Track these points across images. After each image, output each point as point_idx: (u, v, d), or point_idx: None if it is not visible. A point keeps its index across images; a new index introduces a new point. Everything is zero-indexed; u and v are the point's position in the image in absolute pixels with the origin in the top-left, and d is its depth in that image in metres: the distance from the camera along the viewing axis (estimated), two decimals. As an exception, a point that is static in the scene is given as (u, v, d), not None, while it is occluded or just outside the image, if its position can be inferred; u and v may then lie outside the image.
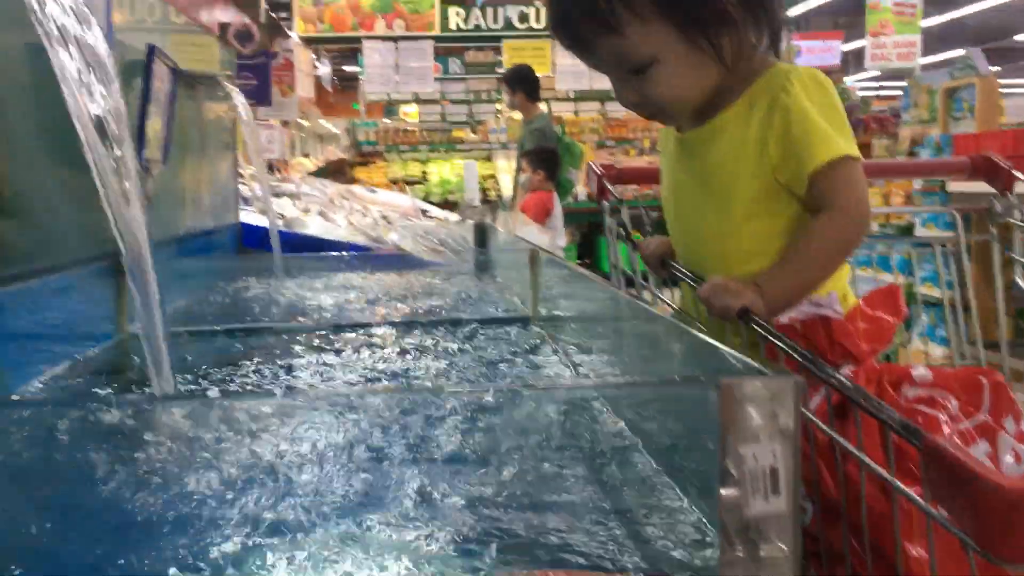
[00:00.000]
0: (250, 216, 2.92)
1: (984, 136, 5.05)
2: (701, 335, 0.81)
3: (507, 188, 9.65)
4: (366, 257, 2.79)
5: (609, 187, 1.46)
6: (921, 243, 5.56)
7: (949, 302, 2.03)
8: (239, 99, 2.13)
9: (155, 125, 1.63)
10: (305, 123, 22.20)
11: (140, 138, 1.55)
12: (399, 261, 2.78)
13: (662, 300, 1.31)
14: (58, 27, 1.07)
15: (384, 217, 3.94)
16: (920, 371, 0.92)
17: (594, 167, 1.51)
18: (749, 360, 0.70)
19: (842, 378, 0.80)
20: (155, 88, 1.59)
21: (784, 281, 1.11)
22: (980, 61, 5.40)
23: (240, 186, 3.03)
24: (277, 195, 3.92)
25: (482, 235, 2.76)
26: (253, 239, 2.77)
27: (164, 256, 1.94)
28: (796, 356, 0.87)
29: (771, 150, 1.15)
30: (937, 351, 5.46)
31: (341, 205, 4.16)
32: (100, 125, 1.08)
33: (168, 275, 1.97)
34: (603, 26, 1.14)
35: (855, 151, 1.12)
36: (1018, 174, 1.51)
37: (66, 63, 1.06)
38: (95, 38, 1.15)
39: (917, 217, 5.62)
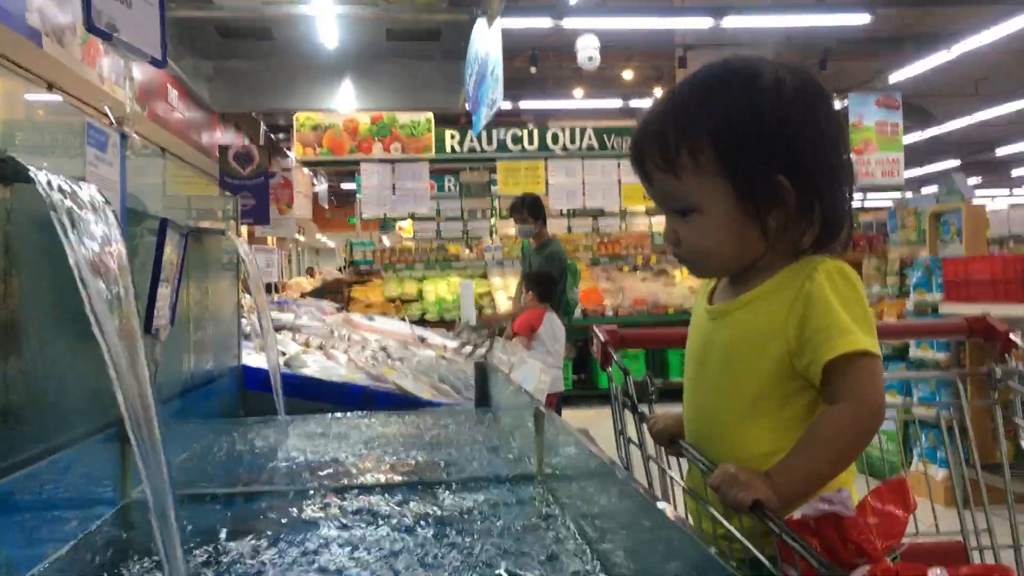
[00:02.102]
0: (251, 357, 2.93)
1: (973, 260, 5.14)
2: (709, 550, 0.81)
3: (502, 305, 9.72)
4: (367, 398, 2.79)
5: (614, 354, 1.48)
6: (917, 364, 5.56)
7: (947, 424, 2.02)
8: (245, 251, 2.17)
9: (165, 292, 1.66)
10: (301, 238, 22.50)
11: (150, 308, 1.58)
12: (399, 403, 2.78)
13: (671, 477, 1.31)
14: (69, 210, 1.10)
15: (383, 348, 3.96)
16: (936, 572, 0.92)
17: (598, 332, 1.53)
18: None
19: (861, 591, 0.80)
20: (166, 258, 1.63)
21: (796, 473, 1.12)
22: (964, 186, 5.53)
23: (241, 319, 3.04)
24: (278, 329, 3.94)
25: (483, 377, 2.76)
26: (255, 381, 2.77)
27: (168, 413, 1.95)
28: (812, 561, 0.87)
29: (790, 336, 1.17)
30: (938, 473, 5.43)
31: (341, 336, 4.18)
32: (108, 299, 1.10)
33: (172, 432, 1.97)
34: (664, 162, 1.21)
35: (875, 347, 1.14)
36: (1015, 338, 1.54)
37: (76, 246, 1.08)
38: (108, 220, 1.18)
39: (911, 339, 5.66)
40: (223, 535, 1.39)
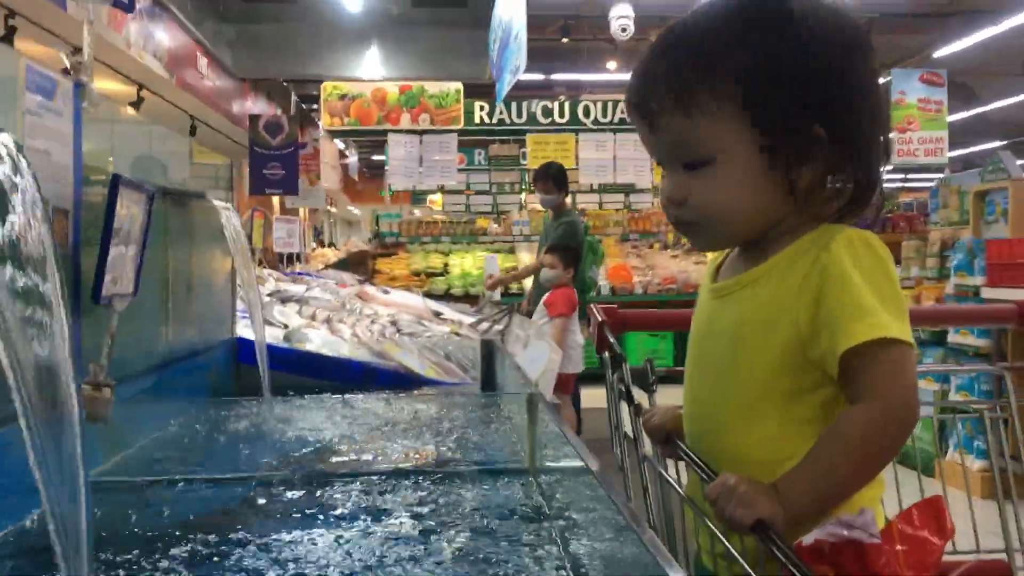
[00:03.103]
0: (249, 330, 2.79)
1: (1020, 242, 4.88)
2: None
3: (528, 282, 9.54)
4: (368, 375, 2.64)
5: (611, 338, 1.30)
6: (956, 350, 5.32)
7: (990, 420, 1.81)
8: (227, 216, 2.02)
9: (121, 257, 1.51)
10: (333, 209, 22.50)
11: (99, 274, 1.43)
12: (402, 381, 2.63)
13: (669, 482, 1.14)
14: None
15: (393, 323, 3.81)
16: (978, 619, 0.74)
17: (595, 312, 1.36)
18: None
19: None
20: (120, 218, 1.47)
21: (809, 487, 0.92)
22: (1011, 164, 5.26)
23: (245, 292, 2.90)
24: (284, 300, 3.81)
25: (489, 356, 2.61)
26: (250, 354, 2.63)
27: (137, 390, 1.80)
28: (823, 603, 0.70)
29: (801, 319, 0.97)
30: (975, 464, 5.21)
31: (351, 310, 4.04)
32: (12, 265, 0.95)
33: (142, 409, 1.83)
34: (675, 103, 1.01)
35: (905, 333, 0.94)
36: (1072, 327, 1.34)
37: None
38: (18, 170, 1.02)
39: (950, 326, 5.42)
40: (152, 538, 1.24)
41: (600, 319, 1.33)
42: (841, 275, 0.95)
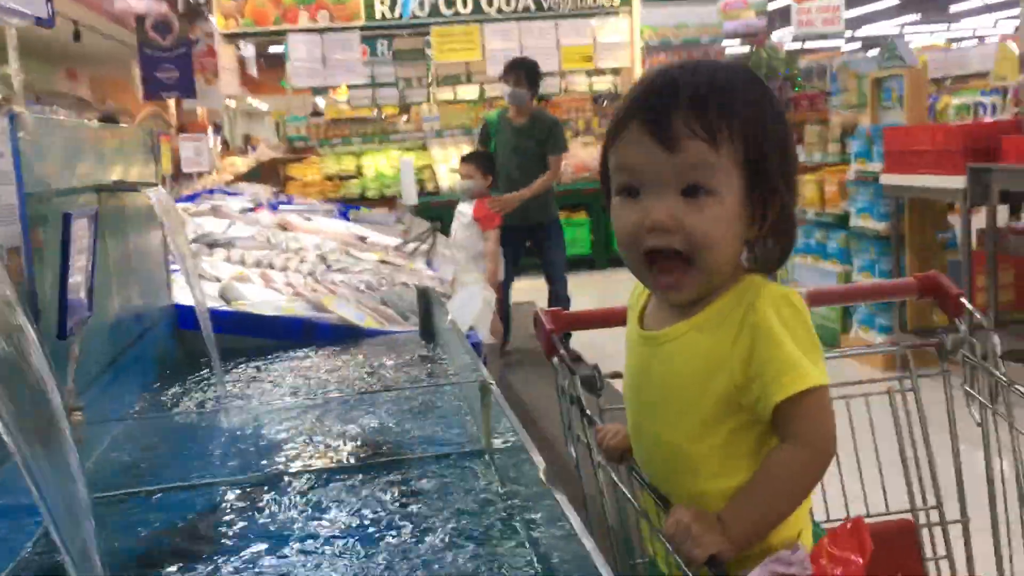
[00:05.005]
0: (184, 292, 2.81)
1: (915, 130, 5.11)
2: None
3: (443, 179, 9.54)
4: (308, 331, 2.72)
5: (558, 344, 1.41)
6: (857, 233, 5.57)
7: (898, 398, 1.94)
8: (159, 206, 2.04)
9: (76, 284, 1.55)
10: (232, 104, 21.70)
11: (63, 312, 1.47)
12: (343, 333, 2.72)
13: (627, 496, 1.27)
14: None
15: (323, 258, 3.86)
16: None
17: (542, 317, 1.45)
18: None
19: None
20: (75, 250, 1.51)
21: (749, 517, 1.08)
22: (906, 51, 5.44)
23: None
24: (210, 246, 3.81)
25: (427, 305, 2.70)
26: (189, 320, 2.67)
27: (101, 389, 1.86)
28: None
29: (735, 370, 1.10)
30: (877, 338, 5.57)
31: (277, 245, 4.06)
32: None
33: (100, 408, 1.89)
34: (704, 129, 1.08)
35: (823, 378, 1.09)
36: (965, 301, 1.50)
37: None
38: None
39: (852, 206, 5.70)
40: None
41: (548, 327, 1.43)
42: (768, 332, 1.08)
